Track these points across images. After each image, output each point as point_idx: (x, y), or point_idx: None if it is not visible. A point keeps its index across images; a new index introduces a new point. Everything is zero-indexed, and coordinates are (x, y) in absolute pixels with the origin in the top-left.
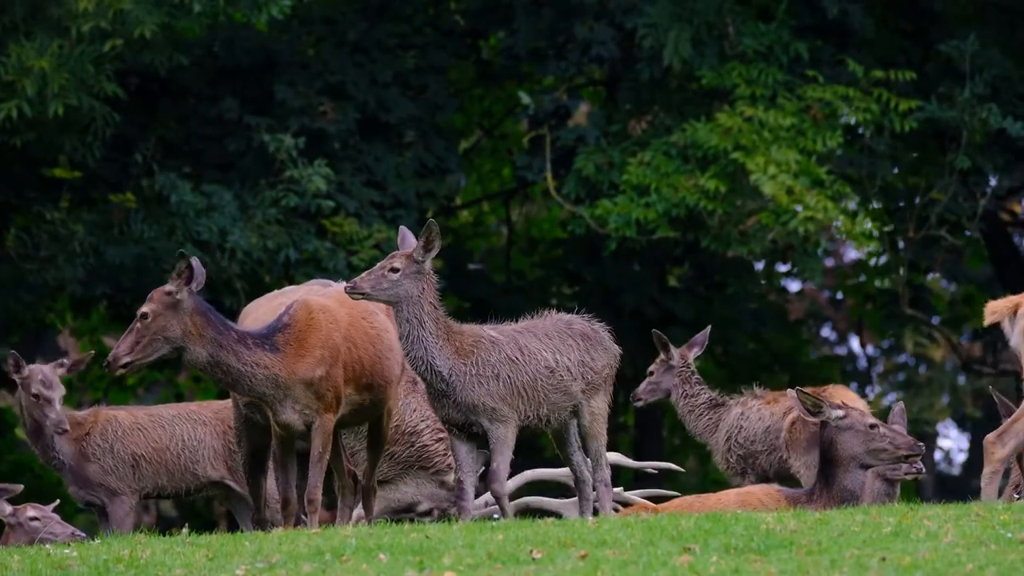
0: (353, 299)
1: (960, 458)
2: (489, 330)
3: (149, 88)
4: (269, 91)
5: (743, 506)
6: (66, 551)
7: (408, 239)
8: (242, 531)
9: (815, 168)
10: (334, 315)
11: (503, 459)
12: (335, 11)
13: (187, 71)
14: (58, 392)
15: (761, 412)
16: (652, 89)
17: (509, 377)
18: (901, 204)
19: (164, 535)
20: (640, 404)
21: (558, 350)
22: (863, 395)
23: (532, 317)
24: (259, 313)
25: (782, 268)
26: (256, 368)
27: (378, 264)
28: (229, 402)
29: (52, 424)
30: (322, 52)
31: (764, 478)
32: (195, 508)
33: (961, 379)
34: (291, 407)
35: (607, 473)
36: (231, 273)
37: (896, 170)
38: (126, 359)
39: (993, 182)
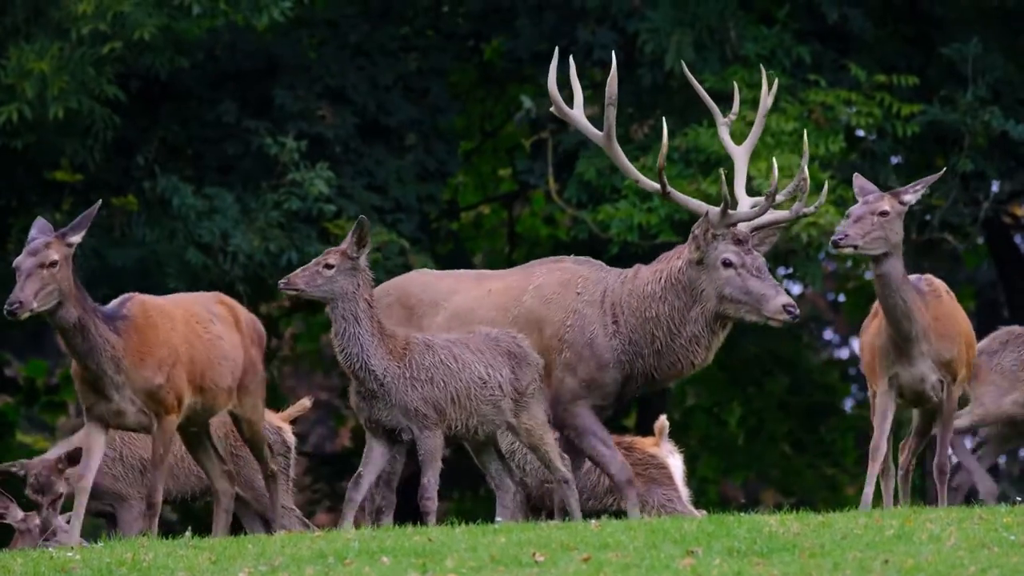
0: (288, 296)
1: None
2: (421, 335)
3: (150, 91)
4: (269, 95)
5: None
6: (68, 554)
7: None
8: (245, 534)
9: (817, 172)
10: (170, 315)
11: (434, 473)
12: (336, 13)
13: (188, 74)
14: (49, 497)
15: None
16: (654, 93)
17: (444, 381)
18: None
19: (166, 538)
20: None
21: (490, 364)
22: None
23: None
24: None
25: (783, 272)
26: (107, 344)
27: (312, 260)
28: None
29: (39, 527)
30: (323, 55)
31: None
32: (195, 512)
33: None
34: (129, 396)
35: (565, 471)
36: (233, 276)
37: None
38: (34, 305)
39: (995, 187)
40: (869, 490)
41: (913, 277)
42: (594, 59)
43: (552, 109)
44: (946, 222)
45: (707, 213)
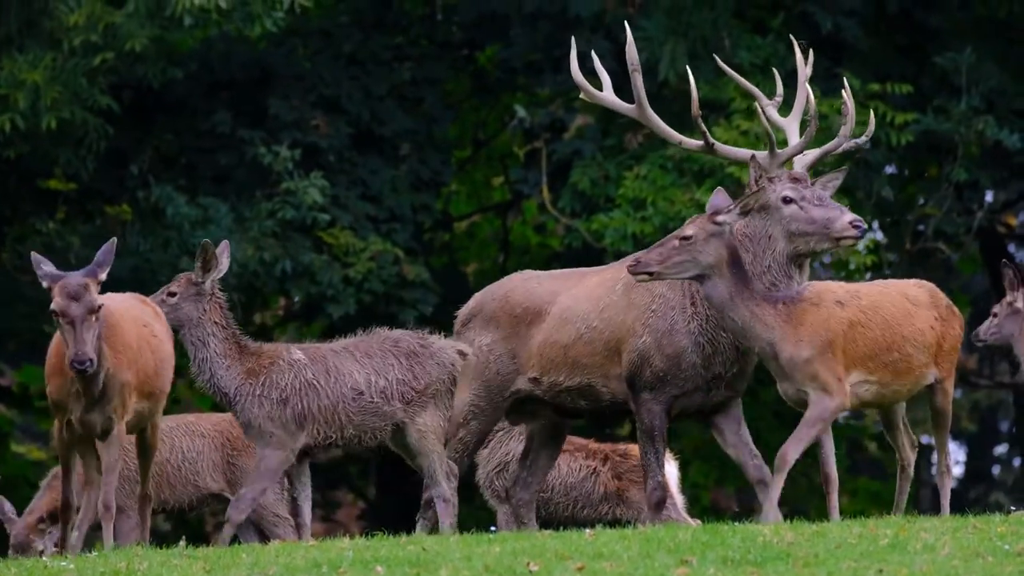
0: None
1: (956, 471)
2: (296, 351)
3: (144, 101)
4: (263, 104)
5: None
6: (63, 563)
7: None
8: (239, 543)
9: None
10: (122, 315)
11: (258, 487)
12: (330, 23)
13: (182, 84)
14: (28, 555)
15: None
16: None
17: (301, 402)
18: (896, 218)
19: (160, 548)
20: (980, 345)
21: (376, 370)
22: None
23: (364, 334)
24: (574, 290)
25: None
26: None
27: (160, 289)
28: (227, 415)
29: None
30: (317, 64)
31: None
32: (188, 521)
33: (957, 393)
34: (100, 405)
35: (445, 488)
36: (227, 285)
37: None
38: (95, 356)
39: (989, 197)
40: (834, 517)
41: (807, 284)
42: (588, 68)
43: (582, 95)
44: (940, 231)
45: (753, 156)
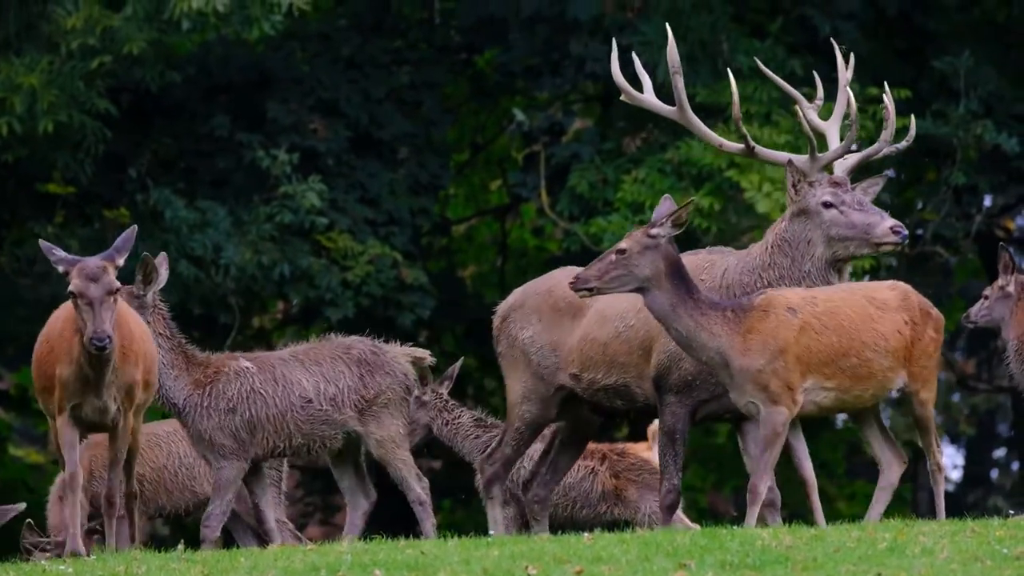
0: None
1: (955, 475)
2: (243, 360)
3: (142, 104)
4: (262, 108)
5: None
6: (62, 567)
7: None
8: (237, 547)
9: None
10: (125, 311)
11: (221, 503)
12: (329, 26)
13: (180, 87)
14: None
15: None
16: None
17: (249, 410)
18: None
19: (159, 551)
20: (971, 326)
21: (325, 378)
22: None
23: (316, 340)
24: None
25: None
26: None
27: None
28: None
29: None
30: (316, 68)
31: None
32: (186, 526)
33: (955, 396)
34: (113, 394)
35: (419, 492)
36: (226, 289)
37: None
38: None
39: (987, 201)
40: (820, 518)
41: (760, 291)
42: (587, 72)
43: (622, 97)
44: (938, 235)
45: (790, 161)
